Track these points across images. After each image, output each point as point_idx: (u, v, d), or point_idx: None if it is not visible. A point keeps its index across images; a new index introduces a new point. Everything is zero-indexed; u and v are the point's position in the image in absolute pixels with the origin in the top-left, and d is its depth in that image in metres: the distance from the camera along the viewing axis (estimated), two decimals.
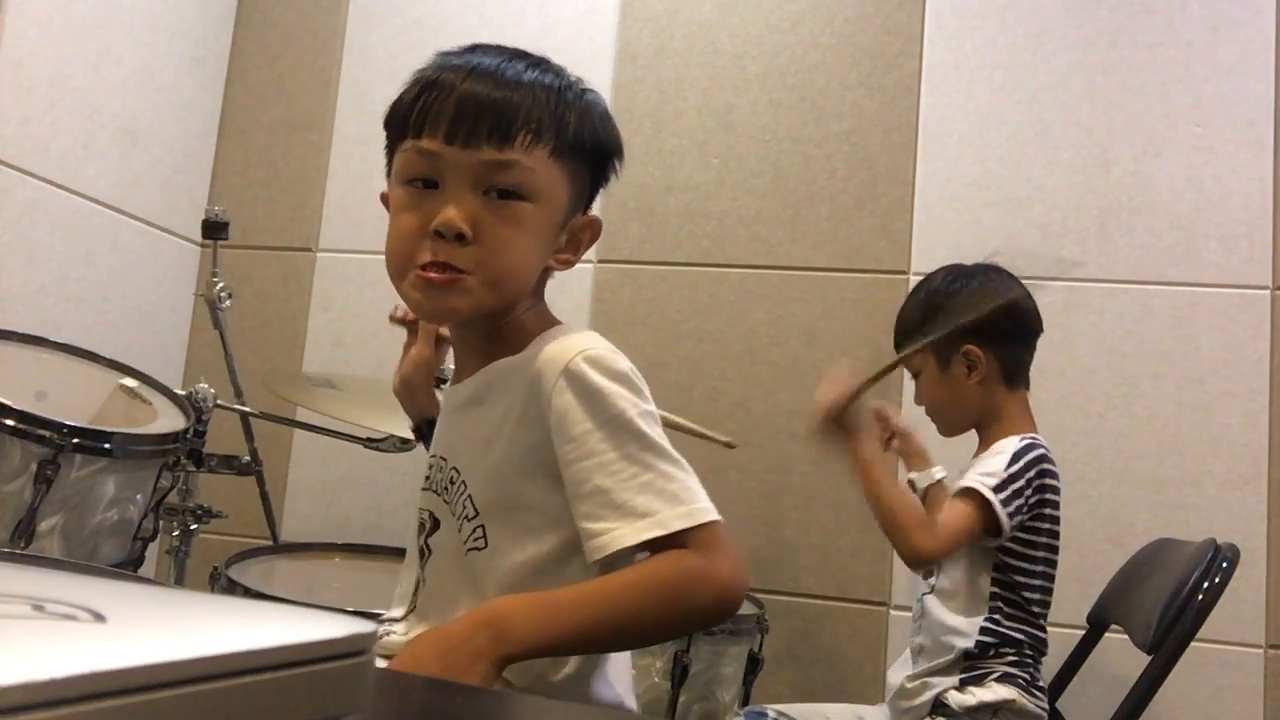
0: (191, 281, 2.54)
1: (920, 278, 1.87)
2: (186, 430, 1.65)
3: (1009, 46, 2.28)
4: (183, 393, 1.74)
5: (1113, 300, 2.15)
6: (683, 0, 2.45)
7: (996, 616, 1.61)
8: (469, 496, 1.06)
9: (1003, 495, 1.57)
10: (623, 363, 1.02)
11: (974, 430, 1.76)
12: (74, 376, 1.70)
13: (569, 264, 1.09)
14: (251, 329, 2.51)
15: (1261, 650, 2.00)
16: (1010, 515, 1.57)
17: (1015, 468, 1.60)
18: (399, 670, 0.88)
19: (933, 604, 1.66)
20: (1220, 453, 2.06)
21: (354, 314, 2.47)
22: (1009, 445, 1.64)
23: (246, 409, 2.01)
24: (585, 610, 0.93)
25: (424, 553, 1.12)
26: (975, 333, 1.69)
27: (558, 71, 1.07)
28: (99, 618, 0.31)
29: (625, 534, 0.95)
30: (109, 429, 1.50)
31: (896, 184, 2.29)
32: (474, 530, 1.05)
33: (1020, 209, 2.22)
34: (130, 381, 1.72)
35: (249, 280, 2.52)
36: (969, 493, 1.58)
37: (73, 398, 1.63)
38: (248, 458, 1.94)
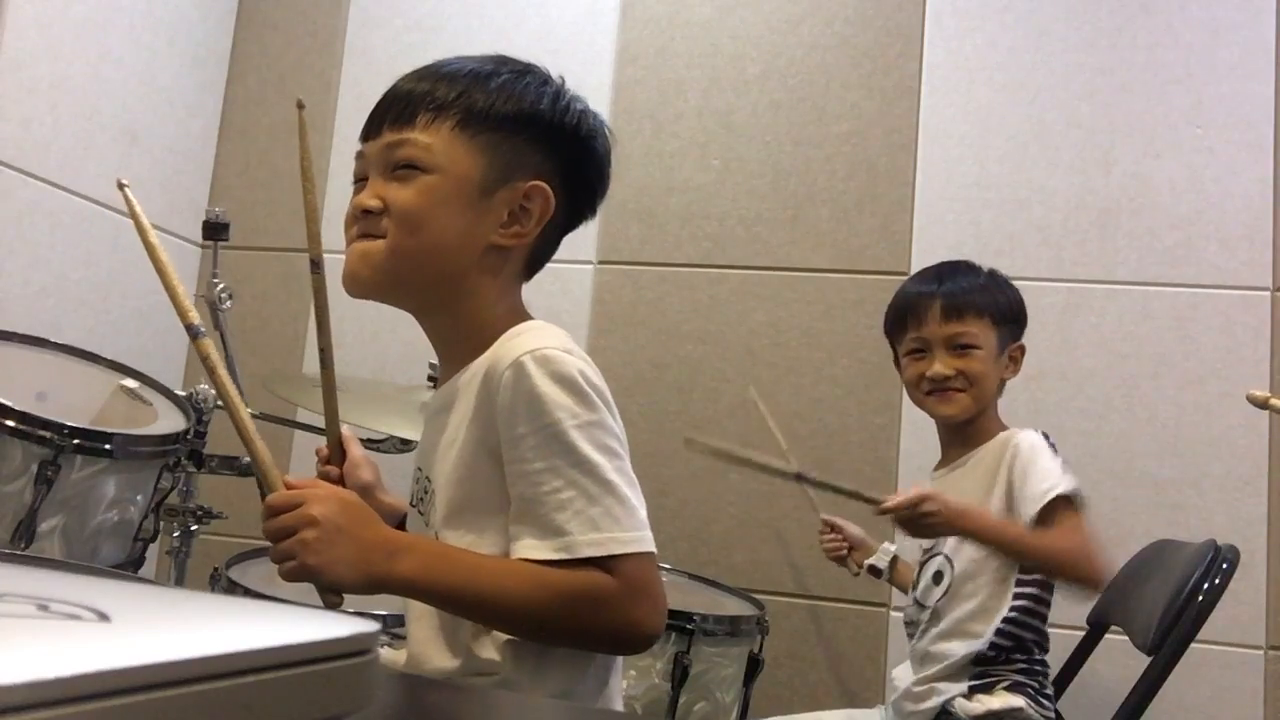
0: (192, 282, 2.54)
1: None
2: (187, 431, 1.64)
3: (1009, 47, 2.28)
4: (183, 393, 1.74)
5: (1113, 301, 2.15)
6: (683, 2, 2.45)
7: (1014, 614, 1.57)
8: (435, 505, 1.04)
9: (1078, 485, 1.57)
10: (571, 366, 0.96)
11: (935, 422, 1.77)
12: (74, 377, 1.70)
13: (521, 238, 1.05)
14: (252, 330, 2.51)
15: (1262, 651, 2.00)
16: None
17: (1059, 458, 1.59)
18: (286, 506, 0.93)
19: (947, 606, 1.62)
20: (1220, 454, 2.06)
21: (354, 314, 2.47)
22: (1030, 440, 1.61)
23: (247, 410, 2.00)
24: (473, 583, 0.93)
25: None
26: (1022, 334, 1.73)
27: (505, 60, 1.07)
28: (103, 617, 0.31)
29: (532, 549, 0.93)
30: (109, 430, 1.50)
31: (896, 185, 2.29)
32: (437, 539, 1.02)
33: (1020, 210, 2.22)
34: (130, 382, 1.72)
35: (249, 281, 2.51)
36: (1070, 501, 1.53)
37: (73, 398, 1.63)
38: (248, 458, 1.94)
